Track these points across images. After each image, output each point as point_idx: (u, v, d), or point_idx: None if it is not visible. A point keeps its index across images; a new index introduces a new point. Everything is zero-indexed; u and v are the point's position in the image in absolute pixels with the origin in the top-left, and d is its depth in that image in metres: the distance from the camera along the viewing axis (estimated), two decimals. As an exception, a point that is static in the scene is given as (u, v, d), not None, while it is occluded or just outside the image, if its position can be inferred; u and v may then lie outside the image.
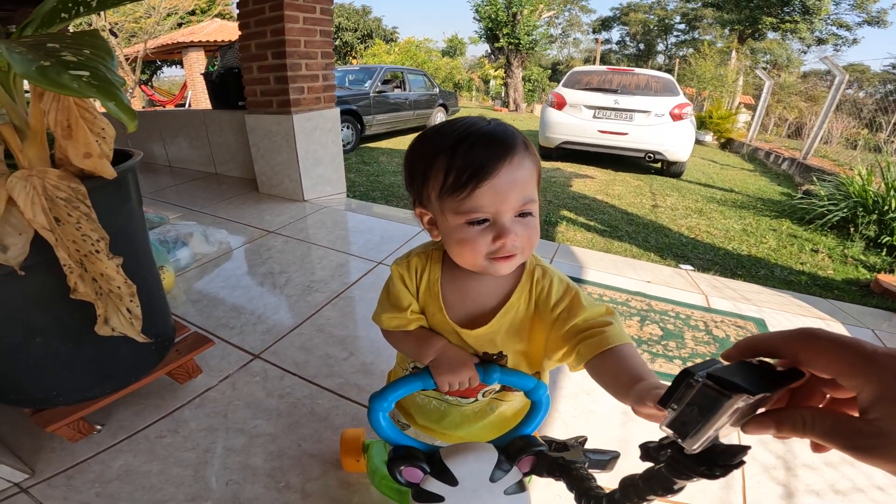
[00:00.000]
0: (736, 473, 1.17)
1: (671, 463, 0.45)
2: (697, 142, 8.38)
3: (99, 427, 1.18)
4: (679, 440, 0.39)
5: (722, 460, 0.40)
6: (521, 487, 0.65)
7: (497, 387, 0.75)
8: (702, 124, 10.27)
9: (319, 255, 2.28)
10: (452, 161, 0.56)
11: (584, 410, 1.35)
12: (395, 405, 0.76)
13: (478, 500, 0.62)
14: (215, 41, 10.74)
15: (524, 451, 0.64)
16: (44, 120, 0.81)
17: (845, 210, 3.77)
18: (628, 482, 0.51)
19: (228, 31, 11.30)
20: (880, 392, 0.29)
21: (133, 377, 1.18)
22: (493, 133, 0.57)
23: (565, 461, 0.61)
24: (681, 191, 5.02)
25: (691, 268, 2.75)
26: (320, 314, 1.75)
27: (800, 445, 1.29)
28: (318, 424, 1.23)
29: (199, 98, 11.07)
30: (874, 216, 3.58)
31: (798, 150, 7.18)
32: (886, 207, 3.54)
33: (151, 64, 14.66)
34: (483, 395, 0.75)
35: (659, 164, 5.93)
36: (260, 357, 1.49)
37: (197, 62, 11.31)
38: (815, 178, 4.78)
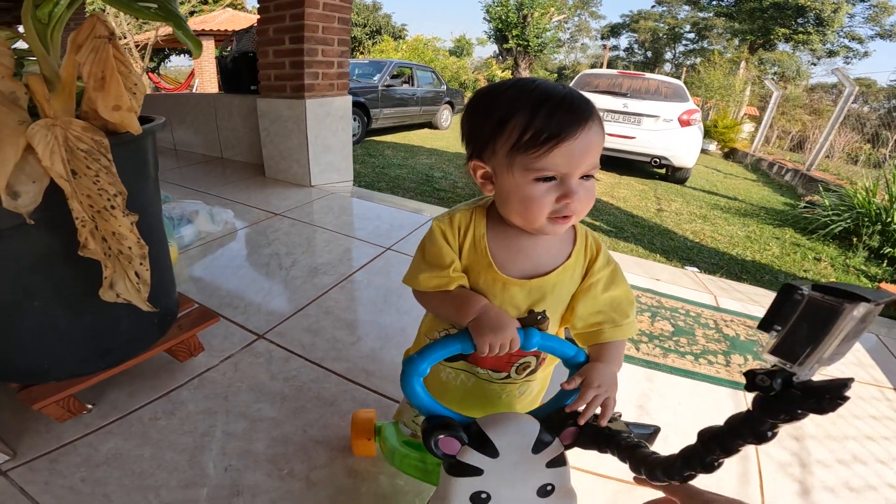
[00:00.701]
0: (752, 469, 1.17)
1: (775, 398, 0.40)
2: (701, 150, 8.39)
3: (89, 406, 1.11)
4: (787, 366, 0.35)
5: (827, 394, 0.35)
6: (563, 460, 0.62)
7: (531, 364, 0.73)
8: (706, 133, 10.29)
9: (326, 239, 2.25)
10: (532, 120, 0.56)
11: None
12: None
13: (519, 473, 0.59)
14: (226, 31, 10.73)
15: (566, 421, 0.61)
16: (75, 73, 0.81)
17: (848, 221, 3.78)
18: (710, 434, 0.47)
19: (240, 20, 11.26)
20: None
21: (132, 352, 1.12)
22: (573, 98, 0.58)
23: (612, 431, 0.59)
24: (685, 196, 5.02)
25: (697, 270, 2.74)
26: (328, 296, 1.72)
27: (813, 443, 1.29)
28: (325, 409, 1.18)
29: (206, 87, 11.04)
30: (877, 227, 3.59)
31: (801, 163, 7.22)
32: (889, 219, 3.56)
33: (160, 52, 14.61)
34: (516, 372, 0.73)
35: (664, 170, 5.93)
36: (264, 337, 1.45)
37: (206, 51, 11.26)
38: (820, 189, 4.79)
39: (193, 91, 10.95)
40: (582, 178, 0.59)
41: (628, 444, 0.57)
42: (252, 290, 1.74)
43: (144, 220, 0.95)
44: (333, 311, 1.62)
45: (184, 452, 1.03)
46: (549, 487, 0.61)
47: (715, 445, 0.46)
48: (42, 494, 0.90)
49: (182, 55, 16.16)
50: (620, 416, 0.64)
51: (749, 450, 1.23)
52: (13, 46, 0.84)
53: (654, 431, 0.62)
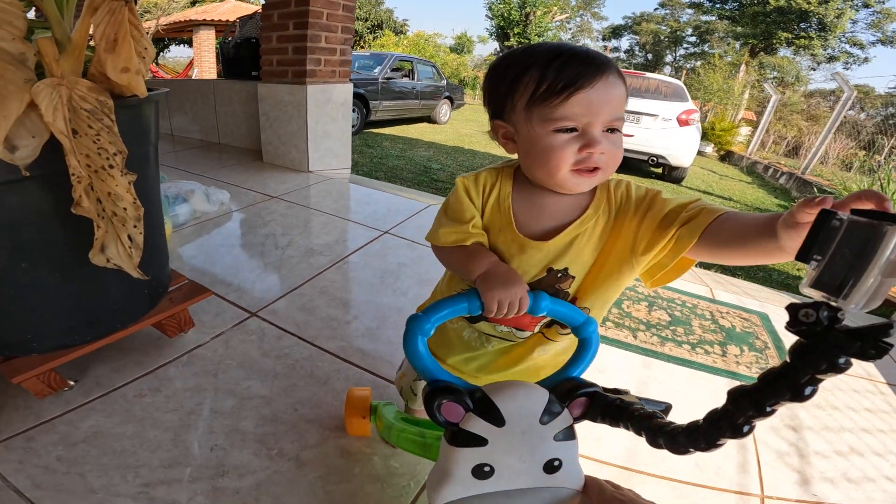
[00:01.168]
0: (751, 458, 1.17)
1: (816, 343, 0.36)
2: (698, 152, 8.44)
3: (71, 383, 1.07)
4: (832, 300, 0.32)
5: (873, 336, 0.32)
6: (572, 434, 0.59)
7: (547, 321, 0.71)
8: (703, 135, 10.34)
9: (323, 221, 2.24)
10: (547, 72, 0.56)
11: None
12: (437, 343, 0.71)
13: (525, 444, 0.56)
14: (227, 21, 10.68)
15: (576, 392, 0.58)
16: (86, 36, 0.82)
17: (844, 222, 3.82)
18: (741, 391, 0.43)
19: (241, 11, 11.18)
20: None
21: (120, 324, 1.09)
22: (589, 52, 0.58)
23: (624, 402, 0.55)
24: (680, 195, 5.03)
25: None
26: (323, 276, 1.70)
27: (811, 434, 1.29)
28: (318, 388, 1.16)
29: (205, 76, 10.97)
30: (873, 230, 3.63)
31: (795, 167, 7.27)
32: (883, 222, 3.59)
33: (159, 42, 14.52)
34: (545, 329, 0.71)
35: (661, 169, 5.95)
36: (257, 315, 1.43)
37: (207, 41, 11.24)
38: (815, 190, 4.82)
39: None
40: (607, 131, 0.58)
41: (644, 415, 0.53)
42: (246, 268, 1.72)
43: (141, 185, 0.93)
44: (329, 291, 1.61)
45: (168, 431, 1.00)
46: (556, 463, 0.57)
47: (746, 404, 0.42)
48: (15, 475, 0.87)
49: (182, 45, 16.04)
50: (629, 391, 0.60)
51: (747, 439, 1.23)
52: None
53: (666, 408, 0.57)
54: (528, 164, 0.63)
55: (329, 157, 3.14)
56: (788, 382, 0.38)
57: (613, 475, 1.05)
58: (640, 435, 0.52)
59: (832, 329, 0.35)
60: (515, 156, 0.66)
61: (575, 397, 0.57)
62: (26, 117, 0.73)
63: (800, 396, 0.38)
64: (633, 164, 6.25)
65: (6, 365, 0.95)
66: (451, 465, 0.56)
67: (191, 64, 11.59)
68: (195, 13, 11.48)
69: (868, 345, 0.33)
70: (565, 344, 0.74)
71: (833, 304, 0.32)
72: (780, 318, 1.92)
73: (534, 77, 0.57)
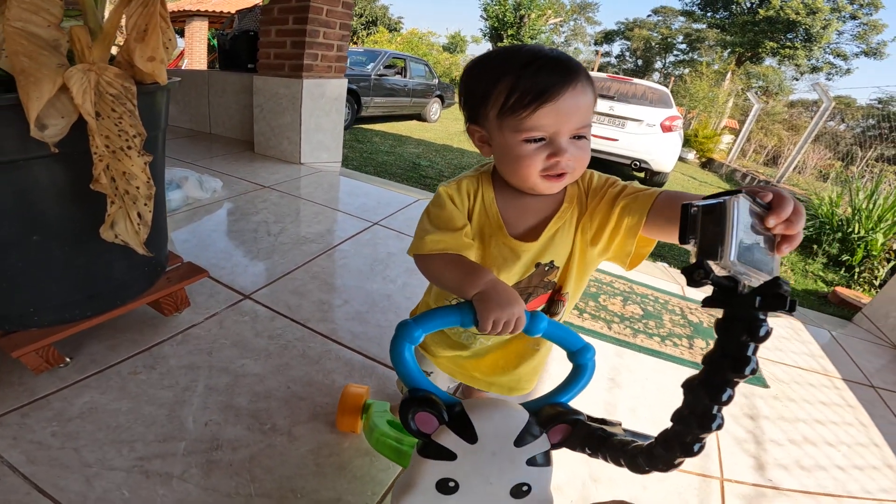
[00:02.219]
0: (712, 443, 1.24)
1: (731, 304, 0.42)
2: (680, 158, 8.64)
3: (67, 360, 1.09)
4: (715, 262, 0.39)
5: (769, 290, 0.40)
6: (547, 460, 0.57)
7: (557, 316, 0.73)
8: (686, 142, 10.56)
9: (315, 211, 2.30)
10: (517, 82, 0.58)
11: None
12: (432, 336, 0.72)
13: (494, 464, 0.55)
14: (221, 12, 10.59)
15: (558, 418, 0.57)
16: (117, 26, 0.88)
17: (811, 230, 4.00)
18: (696, 384, 0.45)
19: (236, 2, 11.10)
20: None
21: (119, 300, 1.13)
22: (559, 59, 0.59)
23: (605, 433, 0.55)
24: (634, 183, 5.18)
25: (667, 265, 2.88)
26: (315, 262, 1.77)
27: (767, 423, 1.39)
28: (310, 367, 1.21)
29: (195, 68, 10.83)
30: (838, 235, 3.81)
31: (773, 176, 7.49)
32: (850, 229, 3.76)
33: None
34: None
35: (642, 174, 6.11)
36: (250, 297, 1.48)
37: (199, 32, 11.11)
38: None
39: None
40: (574, 137, 0.61)
41: (618, 442, 0.53)
42: (239, 253, 1.78)
43: (150, 167, 0.99)
44: (320, 276, 1.68)
45: (163, 406, 1.02)
46: (524, 487, 0.56)
47: (702, 393, 0.44)
48: (9, 450, 0.88)
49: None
50: (621, 424, 0.59)
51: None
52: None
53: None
54: (503, 169, 0.66)
55: (320, 150, 3.20)
56: (727, 356, 0.42)
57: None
58: (619, 465, 0.52)
59: (736, 294, 0.41)
60: (492, 157, 0.68)
61: (556, 423, 0.57)
62: (57, 99, 0.79)
63: (741, 366, 0.41)
64: (616, 168, 6.40)
65: (6, 339, 0.98)
66: (416, 476, 0.56)
67: (181, 54, 11.43)
68: (189, 3, 11.32)
69: (768, 297, 0.40)
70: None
71: (715, 264, 0.39)
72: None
73: (504, 88, 0.59)
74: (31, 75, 0.76)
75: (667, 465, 0.48)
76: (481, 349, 0.78)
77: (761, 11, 19.14)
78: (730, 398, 0.43)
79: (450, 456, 0.54)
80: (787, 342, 1.93)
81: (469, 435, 0.54)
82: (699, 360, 1.61)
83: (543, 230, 0.68)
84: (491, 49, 0.66)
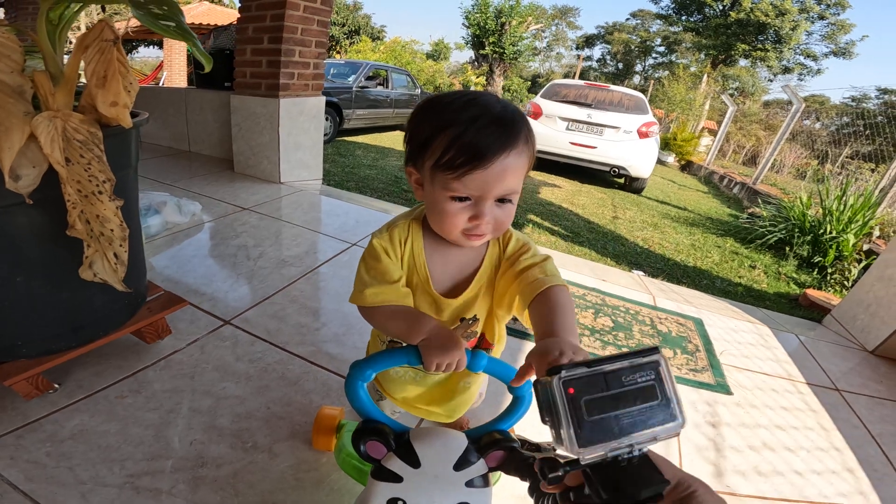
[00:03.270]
0: (674, 451, 1.29)
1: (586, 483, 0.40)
2: (660, 162, 8.80)
3: (56, 386, 1.15)
4: (568, 450, 0.35)
5: (630, 489, 0.35)
6: (484, 482, 0.63)
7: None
8: (665, 145, 10.76)
9: (294, 234, 2.34)
10: (455, 140, 0.59)
11: None
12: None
13: (437, 486, 0.61)
14: (201, 24, 10.55)
15: (495, 445, 0.63)
16: (77, 71, 0.90)
17: (783, 232, 4.12)
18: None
19: (216, 14, 11.09)
20: None
21: (102, 331, 1.17)
22: (503, 119, 0.61)
23: (534, 460, 0.58)
24: (640, 206, 5.32)
25: (642, 273, 2.97)
26: (294, 286, 1.81)
27: (728, 430, 1.44)
28: (289, 389, 1.26)
29: (175, 80, 10.77)
30: (809, 237, 3.93)
31: (750, 176, 7.67)
32: (822, 231, 3.88)
33: (128, 43, 14.18)
34: None
35: (622, 180, 6.24)
36: (230, 323, 1.52)
37: (178, 43, 11.01)
38: (760, 201, 5.17)
39: (161, 83, 10.70)
40: (499, 201, 0.63)
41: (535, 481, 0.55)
42: (219, 278, 1.81)
43: (124, 207, 1.04)
44: (299, 300, 1.72)
45: (150, 428, 1.08)
46: None
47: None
48: (8, 469, 0.94)
49: (150, 46, 15.71)
50: (555, 449, 0.63)
51: None
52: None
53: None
54: (430, 218, 0.69)
55: (300, 168, 3.23)
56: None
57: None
58: (532, 495, 0.57)
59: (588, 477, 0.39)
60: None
61: (492, 449, 0.63)
62: (27, 148, 0.81)
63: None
64: (598, 175, 6.53)
65: None
66: (370, 496, 0.63)
67: (160, 66, 11.38)
68: (168, 15, 11.28)
69: (612, 495, 0.36)
70: (474, 378, 0.84)
71: (571, 455, 0.35)
72: (713, 324, 2.12)
73: (443, 141, 0.60)
74: (1, 124, 0.78)
75: None
76: (428, 381, 0.84)
77: (732, 14, 19.64)
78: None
79: (397, 479, 0.61)
80: (754, 348, 1.97)
81: (413, 460, 0.61)
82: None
83: (466, 289, 0.73)
84: (444, 93, 0.66)
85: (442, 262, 0.73)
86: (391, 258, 0.71)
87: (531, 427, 1.20)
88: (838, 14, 19.92)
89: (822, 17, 20.02)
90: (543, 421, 0.37)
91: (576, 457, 0.35)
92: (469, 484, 0.62)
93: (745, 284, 3.20)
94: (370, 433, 0.62)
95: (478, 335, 0.78)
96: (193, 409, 1.16)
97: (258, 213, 2.54)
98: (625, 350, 0.38)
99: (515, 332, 1.70)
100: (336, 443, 1.00)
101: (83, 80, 0.98)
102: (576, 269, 2.49)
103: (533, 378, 0.45)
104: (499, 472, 0.79)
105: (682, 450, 1.31)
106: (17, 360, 1.06)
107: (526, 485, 0.59)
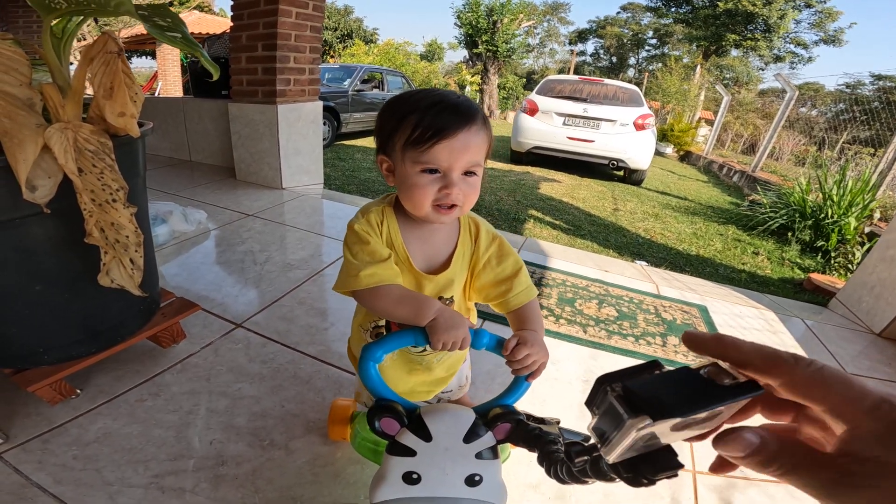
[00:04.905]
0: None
1: (596, 463, 0.45)
2: (658, 153, 8.82)
3: (78, 391, 1.18)
4: (600, 447, 0.36)
5: (648, 471, 0.37)
6: (493, 454, 0.66)
7: None
8: (663, 136, 10.77)
9: (298, 237, 2.36)
10: (421, 120, 0.66)
11: (548, 377, 1.49)
12: (351, 356, 0.82)
13: (448, 458, 0.64)
14: (192, 33, 10.55)
15: (502, 418, 0.66)
16: (84, 82, 0.93)
17: (784, 217, 4.13)
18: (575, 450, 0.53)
19: (207, 23, 11.12)
20: (882, 431, 0.24)
21: (119, 337, 1.21)
22: (459, 104, 0.69)
23: (542, 432, 0.64)
24: (640, 197, 5.33)
25: (645, 263, 2.98)
26: (301, 289, 1.84)
27: None
28: (302, 387, 1.29)
29: (170, 90, 10.81)
30: (810, 222, 3.94)
31: (749, 165, 7.68)
32: (822, 215, 3.89)
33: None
34: None
35: (621, 172, 6.26)
36: (242, 326, 1.55)
37: (171, 53, 11.08)
38: (759, 189, 5.18)
39: (156, 94, 10.74)
40: (465, 174, 0.69)
41: (547, 441, 0.59)
42: (228, 284, 1.84)
43: (135, 214, 1.06)
44: (307, 302, 1.74)
45: (170, 429, 1.11)
46: (476, 478, 0.65)
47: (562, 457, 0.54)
48: (36, 473, 0.97)
49: (143, 57, 15.76)
50: (559, 421, 0.68)
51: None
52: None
53: (584, 438, 0.62)
54: (402, 196, 0.73)
55: (301, 173, 3.26)
56: (584, 473, 0.51)
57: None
58: (541, 464, 0.60)
59: (602, 461, 0.45)
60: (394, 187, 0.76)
61: (499, 422, 0.66)
62: (41, 160, 0.84)
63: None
64: (597, 168, 6.55)
65: (20, 376, 1.06)
66: (386, 471, 0.66)
67: (155, 76, 11.41)
68: (160, 25, 11.33)
69: (638, 477, 0.38)
70: (442, 355, 0.88)
71: (600, 449, 0.36)
72: (718, 310, 2.13)
73: (410, 123, 0.67)
74: (14, 136, 0.80)
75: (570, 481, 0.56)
76: (387, 366, 0.87)
77: (720, 4, 19.64)
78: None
79: (411, 453, 0.65)
80: (760, 334, 1.98)
81: (425, 434, 0.65)
82: (672, 356, 1.73)
83: (446, 269, 0.78)
84: (409, 90, 0.74)
85: (419, 242, 0.77)
86: (373, 238, 0.74)
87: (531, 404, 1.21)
88: (825, 2, 19.94)
89: (808, 6, 20.01)
90: (591, 407, 0.36)
91: (603, 455, 0.36)
92: (479, 456, 0.65)
93: (749, 271, 3.21)
94: (384, 411, 0.65)
95: None
96: (211, 410, 1.19)
97: (262, 219, 2.57)
98: (727, 383, 0.31)
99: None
100: (351, 431, 1.03)
101: (89, 91, 1.01)
102: (578, 262, 2.51)
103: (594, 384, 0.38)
104: (508, 451, 0.83)
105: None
106: (39, 366, 1.09)
107: (534, 476, 0.62)
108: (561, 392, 1.44)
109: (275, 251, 2.17)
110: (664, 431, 0.32)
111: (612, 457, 0.34)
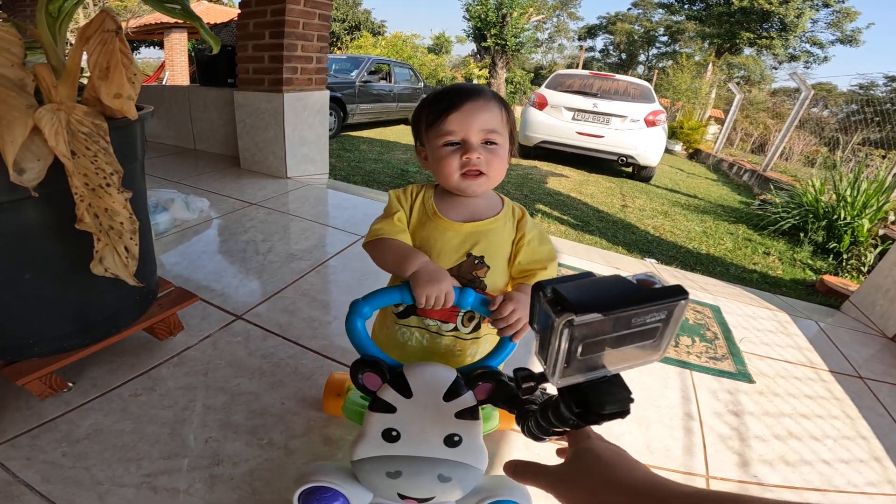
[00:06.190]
0: (697, 441, 1.27)
1: (555, 406, 0.43)
2: (667, 151, 8.71)
3: (70, 385, 1.14)
4: (545, 370, 0.35)
5: (596, 405, 0.36)
6: (473, 415, 0.66)
7: (476, 316, 0.82)
8: (672, 134, 10.65)
9: (302, 227, 2.32)
10: (434, 104, 0.77)
11: None
12: (376, 344, 0.82)
13: (428, 416, 0.65)
14: (200, 23, 10.54)
15: (483, 377, 0.66)
16: (79, 63, 0.88)
17: (797, 218, 4.05)
18: (545, 404, 0.51)
19: (215, 13, 11.07)
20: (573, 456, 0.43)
21: (114, 329, 1.16)
22: (465, 86, 0.78)
23: (524, 394, 0.59)
24: (649, 194, 5.25)
25: (655, 261, 2.92)
26: (304, 280, 1.79)
27: (751, 419, 1.40)
28: (303, 383, 1.25)
29: (177, 79, 10.76)
30: (823, 223, 3.86)
31: (759, 164, 7.58)
32: (836, 216, 3.81)
33: (130, 43, 14.22)
34: (462, 324, 0.82)
35: (630, 168, 6.17)
36: (242, 318, 1.51)
37: (179, 43, 11.04)
38: (772, 188, 5.09)
39: (163, 83, 10.71)
40: (485, 144, 0.75)
41: (524, 402, 0.59)
42: (229, 274, 1.79)
43: (132, 201, 1.01)
44: (310, 294, 1.70)
45: (165, 426, 1.07)
46: (455, 438, 0.65)
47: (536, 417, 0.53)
48: (24, 470, 0.92)
49: (151, 47, 15.73)
50: (545, 390, 0.64)
51: (694, 422, 1.34)
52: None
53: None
54: (435, 175, 0.80)
55: (306, 163, 3.22)
56: (548, 419, 0.49)
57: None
58: (518, 423, 0.59)
59: (559, 391, 0.42)
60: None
61: (480, 382, 0.66)
62: (31, 142, 0.79)
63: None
64: (605, 164, 6.46)
65: (10, 368, 1.01)
66: (367, 427, 0.66)
67: (162, 66, 11.38)
68: (167, 15, 11.29)
69: (588, 414, 0.38)
70: (478, 349, 0.87)
71: (545, 372, 0.35)
72: (731, 311, 2.08)
73: (427, 109, 0.78)
74: (3, 118, 0.76)
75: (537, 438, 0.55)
76: (415, 348, 0.86)
77: (736, 2, 19.36)
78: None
79: (391, 409, 0.65)
80: (773, 335, 1.93)
81: (405, 391, 0.65)
82: (685, 357, 1.67)
83: (478, 222, 0.80)
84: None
85: (451, 204, 0.82)
86: (400, 202, 0.83)
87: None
88: (843, 1, 19.60)
89: (826, 5, 19.68)
90: (532, 324, 0.37)
91: (552, 383, 0.36)
92: (459, 415, 0.65)
93: (760, 271, 3.14)
94: (367, 365, 0.66)
95: (485, 288, 0.80)
96: (208, 407, 1.14)
97: (266, 208, 2.52)
98: (656, 286, 0.33)
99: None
100: (343, 401, 1.02)
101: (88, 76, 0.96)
102: (587, 258, 2.45)
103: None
104: (496, 419, 0.85)
105: (706, 440, 1.29)
106: (30, 358, 1.04)
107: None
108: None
109: (278, 241, 2.12)
110: (605, 351, 0.32)
111: (557, 376, 0.33)
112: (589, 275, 0.36)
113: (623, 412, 0.38)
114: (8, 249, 0.92)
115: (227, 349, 1.36)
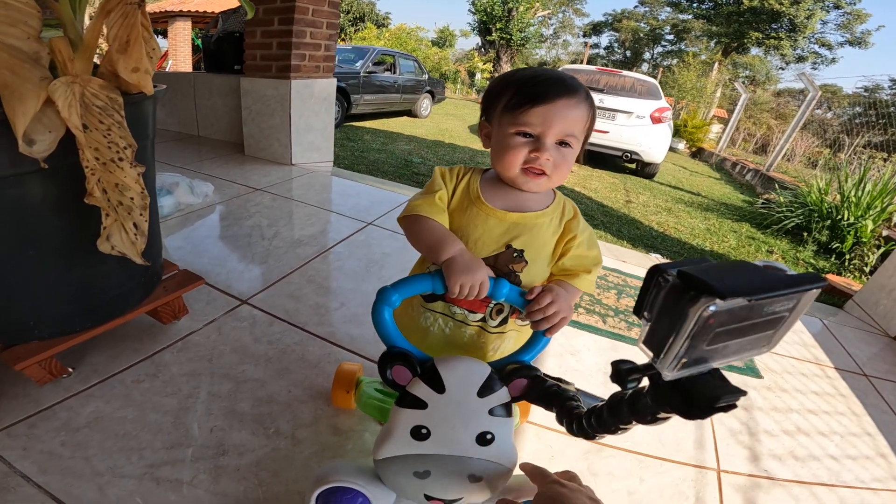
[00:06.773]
0: (708, 435, 1.26)
1: (650, 391, 0.40)
2: (670, 149, 8.69)
3: (70, 370, 1.09)
4: (655, 361, 0.32)
5: (701, 400, 0.33)
6: (507, 411, 0.63)
7: (505, 309, 0.77)
8: (676, 132, 10.61)
9: (308, 213, 2.30)
10: (522, 87, 0.69)
11: (569, 368, 1.44)
12: (399, 329, 0.81)
13: (460, 413, 0.61)
14: (204, 12, 10.46)
15: (518, 373, 0.63)
16: (98, 36, 0.87)
17: (801, 217, 4.04)
18: (613, 401, 0.49)
19: (219, 2, 10.96)
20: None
21: (118, 311, 1.13)
22: (562, 78, 0.69)
23: (560, 389, 0.61)
24: (652, 191, 5.23)
25: (660, 256, 2.91)
26: (310, 266, 1.77)
27: (760, 414, 1.40)
28: (310, 371, 1.22)
29: (180, 68, 10.69)
30: (827, 223, 3.85)
31: (762, 164, 7.56)
32: (839, 216, 3.81)
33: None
34: (490, 317, 0.77)
35: (634, 165, 6.15)
36: (247, 303, 1.48)
37: (183, 32, 10.97)
38: (777, 187, 5.08)
39: (167, 72, 10.63)
40: (559, 144, 0.69)
41: (566, 397, 0.58)
42: (234, 258, 1.77)
43: (143, 176, 0.99)
44: (316, 280, 1.68)
45: (168, 414, 1.03)
46: (488, 436, 0.62)
47: (609, 412, 0.50)
48: (21, 461, 0.88)
49: (156, 36, 15.63)
50: (573, 384, 0.65)
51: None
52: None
53: (601, 402, 0.59)
54: (494, 158, 0.74)
55: (311, 150, 3.19)
56: (621, 414, 0.45)
57: (583, 447, 1.14)
58: (561, 423, 0.57)
59: (657, 386, 0.37)
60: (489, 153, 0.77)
61: (515, 378, 0.63)
62: (43, 114, 0.78)
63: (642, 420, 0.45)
64: (609, 160, 6.43)
65: (8, 352, 0.97)
66: (394, 425, 0.62)
67: (165, 55, 11.29)
68: (171, 4, 11.18)
69: (692, 408, 0.34)
70: (501, 344, 0.82)
71: (655, 364, 0.32)
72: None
73: (509, 92, 0.70)
74: (15, 90, 0.75)
75: (606, 433, 0.52)
76: (437, 337, 0.81)
77: (745, 1, 19.23)
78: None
79: (422, 405, 0.61)
80: (779, 331, 1.95)
81: (438, 385, 0.61)
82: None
83: (523, 213, 0.75)
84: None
85: (497, 191, 0.76)
86: (444, 180, 0.77)
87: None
88: (854, 3, 19.45)
89: (837, 7, 19.56)
90: (641, 313, 0.33)
91: (659, 371, 0.32)
92: (492, 412, 0.62)
93: (764, 269, 3.14)
94: (396, 358, 0.62)
95: (521, 282, 0.75)
96: (213, 394, 1.11)
97: (271, 194, 2.50)
98: (791, 273, 0.30)
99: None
100: (356, 394, 0.99)
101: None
102: (594, 253, 2.44)
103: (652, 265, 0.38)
104: (516, 415, 0.80)
105: (716, 434, 1.28)
106: (29, 341, 1.00)
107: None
108: (582, 384, 1.37)
109: (283, 226, 2.10)
110: (729, 342, 0.28)
111: (673, 368, 0.30)
112: (704, 259, 0.33)
113: (733, 405, 0.35)
114: (11, 224, 0.90)
115: (233, 334, 1.33)
